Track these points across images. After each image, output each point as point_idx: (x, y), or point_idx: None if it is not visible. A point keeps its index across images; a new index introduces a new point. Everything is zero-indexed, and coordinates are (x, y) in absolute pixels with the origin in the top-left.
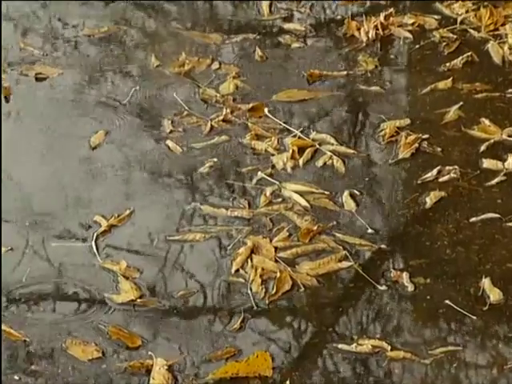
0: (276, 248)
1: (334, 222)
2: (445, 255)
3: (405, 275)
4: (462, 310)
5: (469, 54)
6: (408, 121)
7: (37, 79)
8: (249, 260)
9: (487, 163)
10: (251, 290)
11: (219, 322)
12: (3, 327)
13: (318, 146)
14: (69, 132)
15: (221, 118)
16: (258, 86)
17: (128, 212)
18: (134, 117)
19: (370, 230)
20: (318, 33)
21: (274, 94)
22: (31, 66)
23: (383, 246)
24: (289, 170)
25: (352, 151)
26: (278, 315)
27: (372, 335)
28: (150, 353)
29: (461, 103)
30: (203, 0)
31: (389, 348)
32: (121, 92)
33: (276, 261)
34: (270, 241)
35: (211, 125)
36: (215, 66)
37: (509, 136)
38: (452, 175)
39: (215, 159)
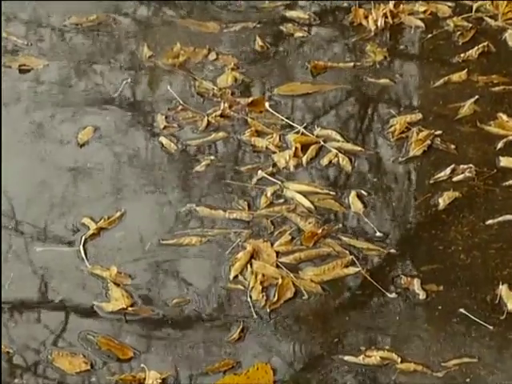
0: (278, 253)
1: (340, 225)
2: (459, 260)
3: (416, 282)
4: (477, 319)
5: (485, 43)
6: (419, 116)
7: (20, 71)
8: (248, 265)
9: (505, 161)
10: (251, 297)
11: (217, 332)
12: None
13: (322, 143)
14: (54, 128)
15: (218, 112)
16: (259, 79)
17: (118, 214)
18: (125, 112)
19: (378, 234)
20: (323, 21)
21: (275, 87)
22: (14, 57)
23: (393, 251)
24: (291, 168)
25: (359, 148)
26: (280, 325)
27: (381, 346)
28: (142, 365)
29: (476, 97)
30: None
31: (399, 360)
32: (110, 85)
33: (278, 266)
34: (271, 245)
35: (208, 120)
36: (212, 56)
37: None
38: (467, 174)
39: (212, 157)
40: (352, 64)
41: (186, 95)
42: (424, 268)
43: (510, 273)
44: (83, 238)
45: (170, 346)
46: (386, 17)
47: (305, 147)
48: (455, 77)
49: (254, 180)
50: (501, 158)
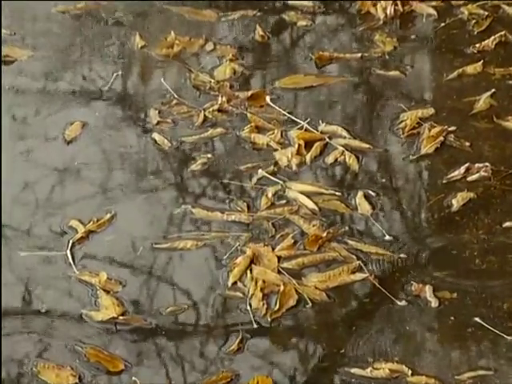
0: (279, 257)
1: (346, 228)
2: (474, 266)
3: (428, 289)
4: (493, 329)
5: (502, 33)
6: (432, 110)
7: (3, 62)
8: (248, 271)
9: None
10: (251, 305)
11: (214, 343)
12: None
13: (327, 140)
14: (40, 124)
15: (215, 107)
16: (259, 71)
17: (108, 216)
18: (115, 106)
19: (387, 237)
20: (328, 9)
21: (276, 80)
22: None
23: (403, 256)
24: (294, 167)
25: (367, 146)
26: (282, 335)
27: (390, 358)
28: (133, 378)
29: (493, 90)
30: None
31: (409, 372)
32: (100, 77)
33: (279, 272)
34: (273, 249)
35: (204, 115)
36: (209, 47)
37: None
38: (482, 173)
39: (209, 155)
40: (359, 55)
41: (180, 88)
42: (436, 274)
43: None
44: (70, 241)
45: (164, 358)
46: (396, 4)
47: (308, 144)
48: (470, 69)
49: (254, 179)
50: None
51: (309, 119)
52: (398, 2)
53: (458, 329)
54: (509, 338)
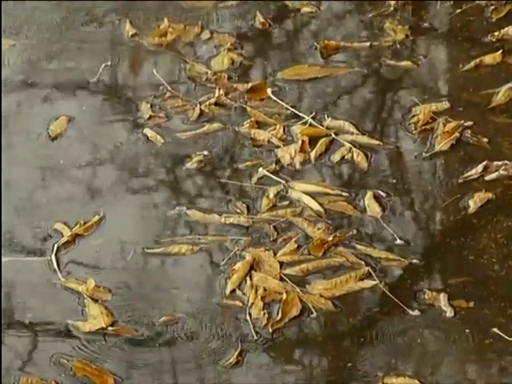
0: (281, 263)
1: (354, 231)
2: (492, 272)
3: (442, 297)
4: None
5: None
6: (447, 104)
7: None
8: (247, 278)
9: None
10: (250, 315)
11: (210, 356)
12: None
13: (333, 136)
14: (22, 118)
15: (212, 100)
16: (259, 61)
17: (96, 218)
18: (104, 99)
19: (398, 241)
20: None
21: (279, 71)
22: None
23: (415, 261)
24: (297, 165)
25: (377, 142)
26: (284, 347)
27: (402, 372)
28: None
29: None
30: None
31: None
32: (87, 68)
33: (281, 279)
34: (274, 254)
35: (200, 109)
36: (206, 35)
37: None
38: (501, 172)
39: (205, 152)
40: (368, 44)
41: (174, 80)
42: (452, 281)
43: None
44: (55, 246)
45: (157, 372)
46: None
47: (313, 141)
48: (488, 59)
49: (254, 179)
50: None
51: (313, 113)
52: None
53: (476, 340)
54: None
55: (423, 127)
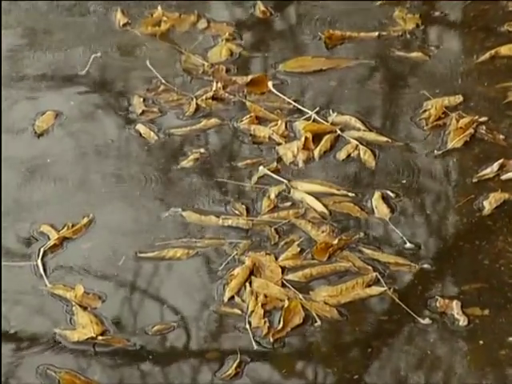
0: (283, 268)
1: (361, 234)
2: (508, 278)
3: (455, 305)
4: None
5: None
6: (460, 98)
7: None
8: (247, 284)
9: None
10: (250, 324)
11: (207, 368)
12: None
13: (339, 132)
14: (6, 114)
15: (209, 94)
16: (260, 52)
17: (86, 220)
18: (94, 93)
19: (408, 245)
20: None
21: (280, 63)
22: None
23: (426, 266)
24: (300, 164)
25: (385, 139)
26: (286, 358)
27: None
28: None
29: None
30: None
31: None
32: (76, 60)
33: (283, 285)
34: (276, 259)
35: (197, 104)
36: (202, 24)
37: None
38: None
39: (202, 150)
40: (376, 34)
41: (169, 72)
42: (465, 287)
43: None
44: (42, 250)
45: None
46: None
47: (317, 137)
48: (504, 50)
49: (254, 178)
50: None
51: (317, 108)
52: None
53: (491, 351)
54: None
55: (435, 123)
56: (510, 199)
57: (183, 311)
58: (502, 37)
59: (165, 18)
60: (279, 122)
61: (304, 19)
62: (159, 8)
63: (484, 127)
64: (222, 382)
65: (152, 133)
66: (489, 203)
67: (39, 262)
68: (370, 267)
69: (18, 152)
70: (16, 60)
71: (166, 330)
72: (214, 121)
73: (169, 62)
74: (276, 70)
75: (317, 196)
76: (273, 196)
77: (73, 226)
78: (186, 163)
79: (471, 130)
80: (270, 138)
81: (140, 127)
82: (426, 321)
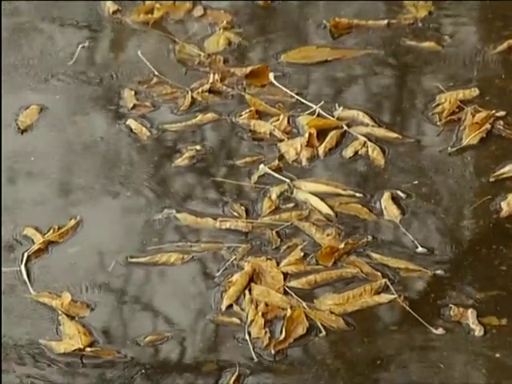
0: (285, 274)
1: (370, 238)
2: None
3: (470, 314)
4: None
5: None
6: (476, 91)
7: None
8: (246, 292)
9: None
10: (250, 334)
11: (204, 381)
12: None
13: (345, 128)
14: None
15: (206, 87)
16: (260, 42)
17: (73, 223)
18: (81, 86)
19: (420, 249)
20: None
21: (282, 53)
22: None
23: (440, 272)
24: (304, 162)
25: (395, 135)
26: (289, 371)
27: None
28: None
29: None
30: None
31: None
32: (62, 50)
33: (285, 293)
34: (277, 264)
35: (192, 97)
36: (198, 11)
37: None
38: None
39: (198, 147)
40: (386, 22)
41: (162, 63)
42: (481, 295)
43: None
44: (25, 254)
45: None
46: None
47: (322, 133)
48: None
49: (254, 177)
50: None
51: (322, 102)
52: None
53: (508, 363)
54: None
55: (449, 118)
56: None
57: (178, 320)
58: None
59: (158, 5)
60: (281, 116)
61: (308, 6)
62: None
63: (502, 122)
64: None
65: (144, 129)
66: (507, 204)
67: (23, 267)
68: (378, 273)
69: None
70: None
71: (159, 341)
72: (210, 115)
73: (162, 53)
74: (278, 60)
75: (322, 196)
76: (274, 196)
77: (59, 228)
78: (181, 161)
79: (488, 126)
80: (271, 134)
81: (131, 123)
82: (439, 331)
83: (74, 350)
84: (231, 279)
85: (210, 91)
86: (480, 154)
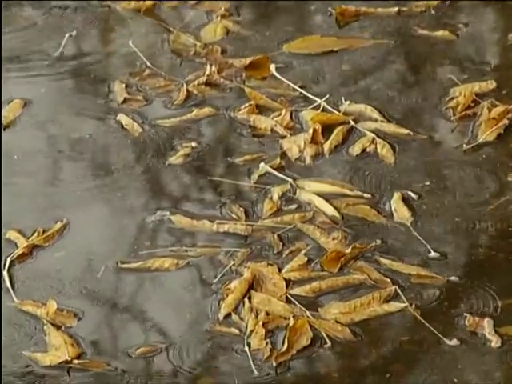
0: (288, 281)
1: (378, 242)
2: None
3: (487, 323)
4: None
5: None
6: (493, 84)
7: None
8: (246, 300)
9: None
10: (250, 346)
11: None
12: None
13: (352, 124)
14: None
15: (202, 79)
16: (261, 31)
17: (59, 226)
18: (68, 78)
19: (433, 254)
20: None
21: (284, 43)
22: None
23: (453, 279)
24: (308, 160)
25: (406, 131)
26: None
27: None
28: None
29: None
30: None
31: None
32: (48, 40)
33: (288, 301)
34: (279, 270)
35: (187, 90)
36: None
37: None
38: None
39: (193, 144)
40: (396, 9)
41: (155, 54)
42: (498, 303)
43: None
44: (8, 260)
45: None
46: None
47: (327, 129)
48: None
49: (254, 177)
50: None
51: (327, 96)
52: None
53: None
54: None
55: (464, 112)
56: None
57: (172, 331)
58: None
59: None
60: (283, 111)
61: None
62: None
63: None
64: None
65: (136, 124)
66: None
67: (5, 273)
68: (388, 280)
69: None
70: None
71: (152, 353)
72: (207, 110)
73: (155, 42)
74: (279, 51)
75: (327, 197)
76: (276, 197)
77: (44, 231)
78: (175, 159)
79: (505, 121)
80: (272, 130)
81: (122, 118)
82: (454, 342)
83: (61, 363)
84: (229, 286)
85: (207, 84)
86: (497, 151)
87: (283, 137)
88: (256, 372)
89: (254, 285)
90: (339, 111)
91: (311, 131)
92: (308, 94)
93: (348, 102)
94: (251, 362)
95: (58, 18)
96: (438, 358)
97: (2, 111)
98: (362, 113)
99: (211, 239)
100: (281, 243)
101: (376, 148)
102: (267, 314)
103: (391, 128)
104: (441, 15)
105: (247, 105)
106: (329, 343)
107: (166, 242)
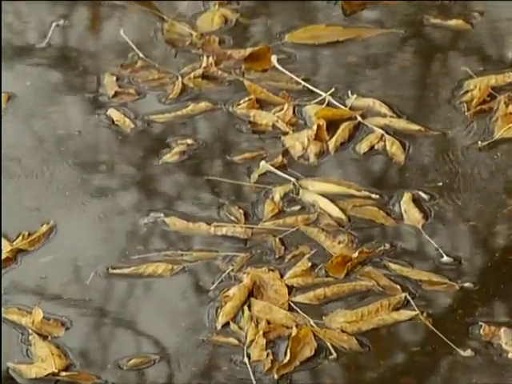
0: (291, 288)
1: (387, 246)
2: None
3: (503, 333)
4: None
5: None
6: (510, 77)
7: None
8: (245, 308)
9: None
10: (249, 357)
11: None
12: None
13: (359, 119)
14: None
15: (199, 71)
16: (261, 19)
17: (45, 228)
18: (55, 70)
19: (445, 258)
20: None
21: (287, 33)
22: None
23: (468, 285)
24: (312, 158)
25: (417, 127)
26: None
27: None
28: None
29: None
30: None
31: None
32: (34, 30)
33: (290, 309)
34: (281, 276)
35: (183, 83)
36: None
37: None
38: None
39: (189, 141)
40: None
41: (148, 44)
42: None
43: None
44: None
45: None
46: None
47: (333, 125)
48: None
49: (255, 176)
50: None
51: (333, 89)
52: None
53: None
54: None
55: (479, 107)
56: None
57: (166, 341)
58: None
59: None
60: (285, 106)
61: None
62: None
63: None
64: None
65: (127, 120)
66: None
67: None
68: (397, 286)
69: None
70: None
71: (145, 365)
72: (204, 105)
73: (148, 32)
74: (282, 41)
75: (332, 198)
76: (277, 198)
77: (29, 235)
78: (170, 157)
79: None
80: (273, 125)
81: (112, 113)
82: (468, 352)
83: (47, 375)
84: (228, 293)
85: (204, 77)
86: None
87: (285, 133)
88: None
89: (254, 292)
90: (345, 106)
91: (315, 127)
92: (312, 87)
93: (355, 95)
94: (251, 375)
95: (44, 6)
96: (452, 369)
97: None
98: (369, 108)
99: (208, 243)
100: (283, 247)
101: (385, 145)
102: (268, 322)
103: (401, 124)
104: (454, 3)
105: (247, 99)
106: (334, 354)
107: (159, 245)
